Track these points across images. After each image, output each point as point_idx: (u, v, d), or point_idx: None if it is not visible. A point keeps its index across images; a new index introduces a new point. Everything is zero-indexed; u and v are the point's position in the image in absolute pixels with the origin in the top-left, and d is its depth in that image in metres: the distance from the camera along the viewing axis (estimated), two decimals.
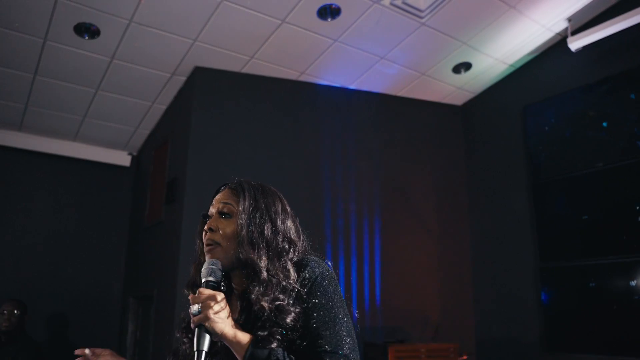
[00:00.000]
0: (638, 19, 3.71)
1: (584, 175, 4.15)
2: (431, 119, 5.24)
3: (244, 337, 1.13)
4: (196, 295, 1.15)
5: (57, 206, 5.46)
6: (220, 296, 1.14)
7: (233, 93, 4.46)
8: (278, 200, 1.35)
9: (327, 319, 1.17)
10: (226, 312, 1.14)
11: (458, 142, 5.32)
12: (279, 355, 1.10)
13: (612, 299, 3.83)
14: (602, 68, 4.17)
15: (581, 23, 4.24)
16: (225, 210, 1.30)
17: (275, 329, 1.15)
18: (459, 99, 5.28)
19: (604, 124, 4.09)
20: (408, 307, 4.61)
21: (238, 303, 1.29)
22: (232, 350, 1.14)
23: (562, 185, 4.29)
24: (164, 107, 4.97)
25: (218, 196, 1.36)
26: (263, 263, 1.22)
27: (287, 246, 1.28)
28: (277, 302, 1.17)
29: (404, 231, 4.83)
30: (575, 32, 4.18)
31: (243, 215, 1.26)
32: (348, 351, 1.15)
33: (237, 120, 4.39)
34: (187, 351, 1.31)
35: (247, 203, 1.28)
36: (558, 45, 4.46)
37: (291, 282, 1.20)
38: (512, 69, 4.83)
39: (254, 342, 1.12)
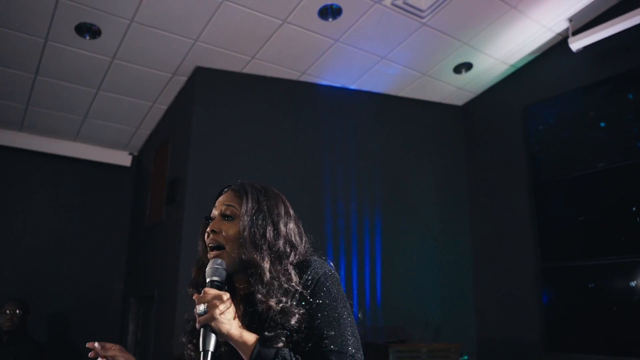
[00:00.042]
0: (639, 20, 3.71)
1: (585, 175, 4.15)
2: (432, 119, 5.25)
3: (250, 337, 1.13)
4: (201, 295, 1.14)
5: (57, 206, 5.47)
6: (226, 296, 1.14)
7: (234, 93, 4.46)
8: (281, 202, 1.35)
9: (331, 319, 1.17)
10: (232, 312, 1.14)
11: (459, 142, 5.32)
12: (285, 355, 1.10)
13: (614, 299, 3.83)
14: (603, 68, 4.17)
15: (582, 23, 4.23)
16: (228, 212, 1.30)
17: (280, 330, 1.14)
18: (459, 99, 5.28)
19: (605, 125, 4.09)
20: (409, 307, 4.61)
21: (241, 306, 1.29)
22: (238, 351, 1.13)
23: (563, 186, 4.29)
24: (164, 107, 4.97)
25: (221, 198, 1.35)
26: (266, 265, 1.22)
27: (288, 249, 1.28)
28: (281, 305, 1.17)
29: (405, 231, 4.83)
30: (576, 33, 4.18)
31: (245, 218, 1.26)
32: (353, 351, 1.15)
33: (238, 120, 4.40)
34: (193, 355, 1.30)
35: (249, 205, 1.28)
36: (559, 45, 4.46)
37: (293, 284, 1.20)
38: (513, 69, 4.82)
39: (260, 342, 1.12)
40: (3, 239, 5.10)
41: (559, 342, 4.12)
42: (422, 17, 3.88)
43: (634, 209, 3.80)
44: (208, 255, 1.28)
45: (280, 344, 1.13)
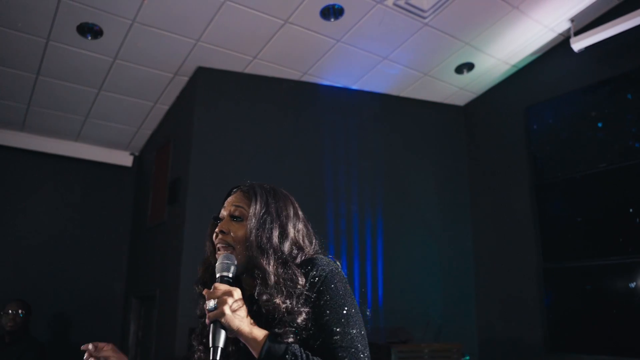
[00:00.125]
0: None
1: (586, 176, 4.14)
2: (433, 119, 5.24)
3: (260, 333, 1.13)
4: (211, 290, 1.14)
5: (59, 206, 5.47)
6: (236, 292, 1.14)
7: (235, 93, 4.46)
8: (290, 203, 1.35)
9: (339, 316, 1.17)
10: (242, 307, 1.14)
11: (460, 142, 5.32)
12: (295, 350, 1.10)
13: (616, 299, 3.83)
14: (605, 69, 4.16)
15: (584, 24, 4.23)
16: (236, 213, 1.30)
17: (288, 328, 1.15)
18: (461, 100, 5.28)
19: (607, 125, 4.08)
20: (410, 308, 4.60)
21: (247, 306, 1.29)
22: (248, 347, 1.13)
23: (565, 186, 4.28)
24: (166, 107, 4.97)
25: (230, 199, 1.35)
26: (272, 268, 1.22)
27: (295, 252, 1.28)
28: (285, 305, 1.17)
29: (406, 232, 4.82)
30: (578, 33, 4.17)
31: (253, 220, 1.26)
32: (361, 347, 1.16)
33: (239, 120, 4.39)
34: (203, 356, 1.29)
35: (258, 207, 1.28)
36: (561, 46, 4.46)
37: (299, 287, 1.20)
38: (515, 70, 4.82)
39: (270, 338, 1.12)
40: (4, 239, 5.09)
41: (560, 342, 4.11)
42: (424, 17, 3.88)
43: (637, 209, 3.79)
44: (216, 256, 1.28)
45: (290, 339, 1.13)
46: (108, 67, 4.26)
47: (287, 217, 1.31)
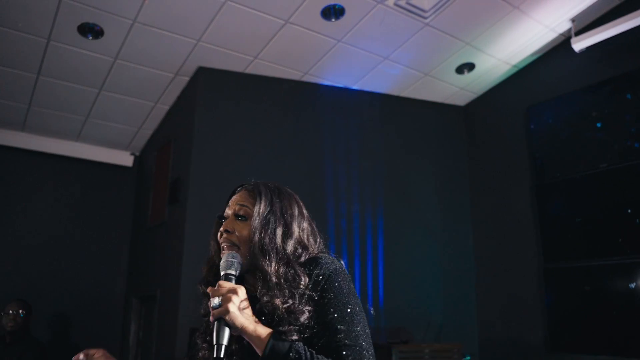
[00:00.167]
0: None
1: (587, 176, 4.14)
2: (434, 119, 5.24)
3: (264, 330, 1.12)
4: (216, 288, 1.14)
5: (59, 206, 5.47)
6: (241, 290, 1.14)
7: (236, 93, 4.46)
8: (295, 202, 1.35)
9: (344, 314, 1.17)
10: (247, 305, 1.14)
11: (461, 142, 5.32)
12: (299, 348, 1.10)
13: (616, 299, 3.82)
14: (606, 69, 4.16)
15: (585, 24, 4.22)
16: (241, 212, 1.29)
17: (292, 326, 1.15)
18: (462, 100, 5.28)
19: (608, 125, 4.08)
20: (411, 308, 4.60)
21: (250, 305, 1.29)
22: (252, 344, 1.13)
23: (566, 186, 4.28)
24: (167, 108, 4.97)
25: (234, 197, 1.35)
26: (273, 269, 1.22)
27: (299, 251, 1.28)
28: (287, 305, 1.17)
29: (407, 232, 4.82)
30: (578, 33, 4.17)
31: (257, 219, 1.26)
32: (366, 345, 1.15)
33: (240, 120, 4.39)
34: (207, 354, 1.29)
35: (262, 207, 1.28)
36: (561, 46, 4.45)
37: (301, 287, 1.20)
38: (516, 70, 4.82)
39: (274, 336, 1.12)
40: (4, 239, 5.09)
41: (561, 342, 4.11)
42: (424, 18, 3.88)
43: (638, 209, 3.79)
44: (221, 255, 1.28)
45: (295, 337, 1.13)
46: (109, 67, 4.26)
47: (292, 216, 1.31)
